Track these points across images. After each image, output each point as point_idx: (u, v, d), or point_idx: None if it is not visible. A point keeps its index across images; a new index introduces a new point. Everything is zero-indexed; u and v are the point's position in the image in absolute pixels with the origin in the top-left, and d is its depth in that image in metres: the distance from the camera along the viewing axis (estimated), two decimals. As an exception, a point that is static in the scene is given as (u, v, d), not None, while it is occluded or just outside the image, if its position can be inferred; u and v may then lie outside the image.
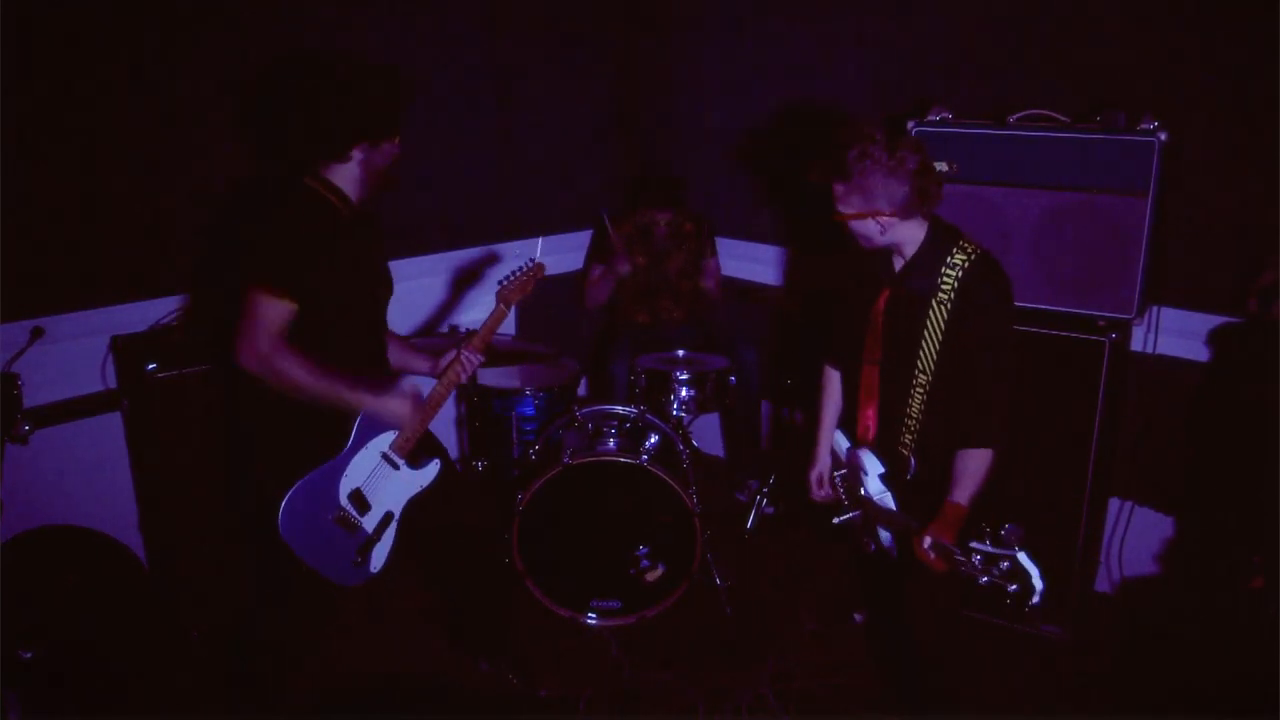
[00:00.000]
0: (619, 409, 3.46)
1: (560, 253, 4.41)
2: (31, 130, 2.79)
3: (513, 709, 2.87)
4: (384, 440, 2.47)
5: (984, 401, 2.27)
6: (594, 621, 3.28)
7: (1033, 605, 1.91)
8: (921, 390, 2.32)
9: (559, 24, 4.17)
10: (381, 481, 2.47)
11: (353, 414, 2.38)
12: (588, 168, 4.45)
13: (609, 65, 4.43)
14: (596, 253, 4.18)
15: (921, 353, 2.30)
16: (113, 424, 3.12)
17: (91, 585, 2.91)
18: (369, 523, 2.47)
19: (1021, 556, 1.90)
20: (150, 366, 2.89)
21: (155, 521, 3.10)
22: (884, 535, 2.48)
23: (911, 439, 2.37)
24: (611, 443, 3.34)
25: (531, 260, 2.64)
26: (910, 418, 2.35)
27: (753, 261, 4.21)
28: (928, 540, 2.15)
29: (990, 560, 1.95)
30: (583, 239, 4.44)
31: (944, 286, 2.26)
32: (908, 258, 2.32)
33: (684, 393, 3.54)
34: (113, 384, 3.07)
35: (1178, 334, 3.12)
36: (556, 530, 3.25)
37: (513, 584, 3.27)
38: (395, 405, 2.41)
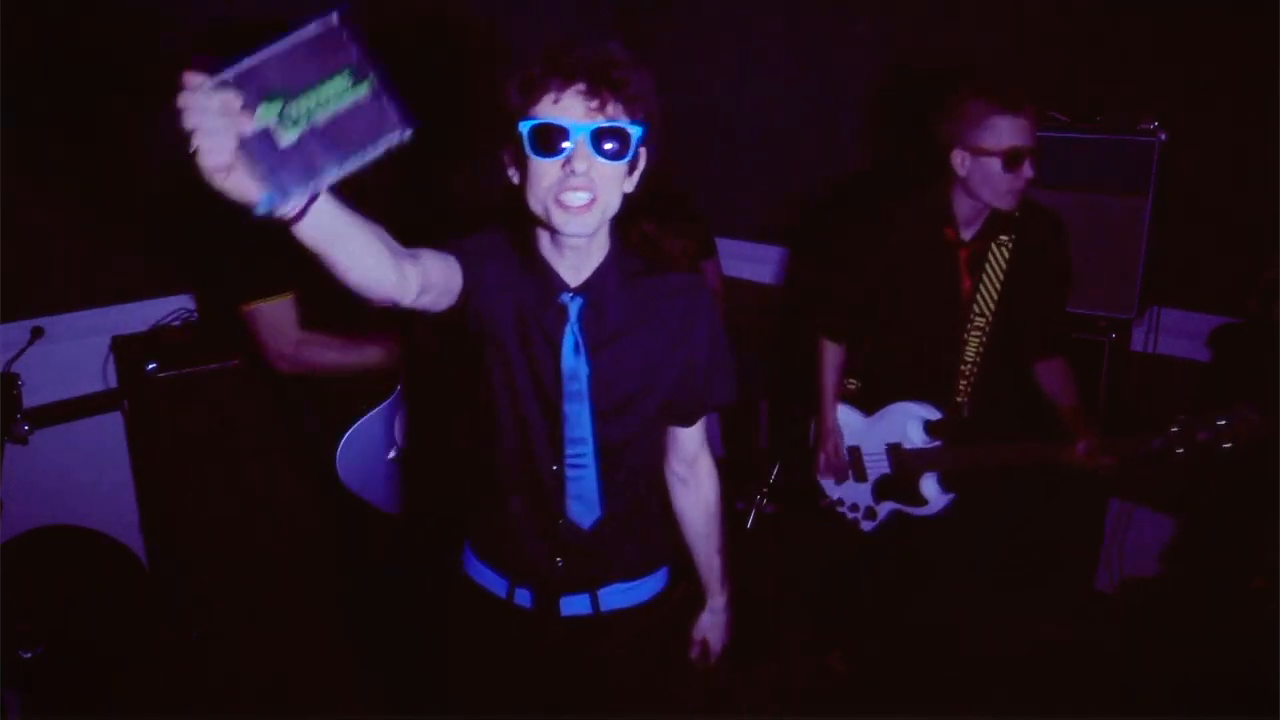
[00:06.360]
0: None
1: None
2: (32, 130, 2.79)
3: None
4: None
5: (1057, 321, 2.46)
6: (594, 621, 3.26)
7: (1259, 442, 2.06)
8: (979, 334, 2.41)
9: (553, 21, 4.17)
10: None
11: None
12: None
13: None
14: None
15: (980, 297, 2.38)
16: (113, 424, 3.12)
17: (91, 585, 2.92)
18: None
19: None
20: (150, 366, 2.89)
21: (155, 521, 3.10)
22: (929, 488, 2.52)
23: (966, 385, 2.46)
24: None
25: None
26: (966, 363, 2.44)
27: (753, 261, 4.20)
28: (1083, 446, 2.24)
29: (1192, 426, 2.08)
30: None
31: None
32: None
33: (684, 393, 3.52)
34: (113, 384, 3.07)
35: (1178, 334, 3.12)
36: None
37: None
38: None
